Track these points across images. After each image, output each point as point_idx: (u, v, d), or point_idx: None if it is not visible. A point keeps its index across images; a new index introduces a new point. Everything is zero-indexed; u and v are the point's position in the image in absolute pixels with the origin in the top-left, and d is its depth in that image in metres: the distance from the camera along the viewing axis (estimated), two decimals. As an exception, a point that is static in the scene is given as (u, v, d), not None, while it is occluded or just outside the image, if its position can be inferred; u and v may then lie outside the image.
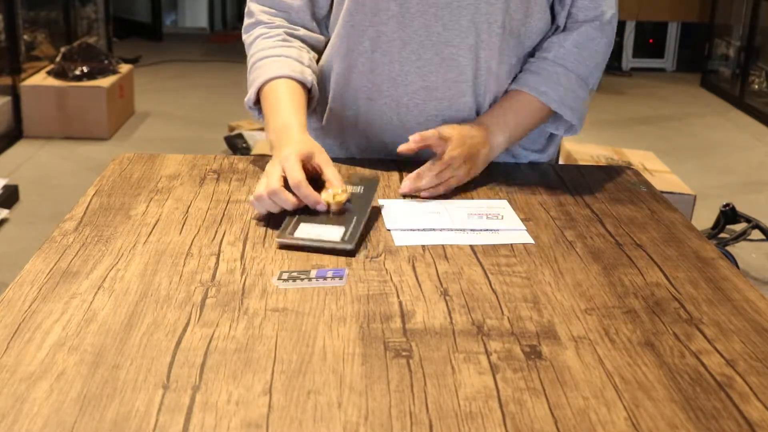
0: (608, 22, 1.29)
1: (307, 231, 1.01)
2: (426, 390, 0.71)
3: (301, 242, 0.99)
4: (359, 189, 1.11)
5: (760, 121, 5.45)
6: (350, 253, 0.98)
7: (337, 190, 1.06)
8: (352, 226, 1.02)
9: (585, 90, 1.30)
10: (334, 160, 1.17)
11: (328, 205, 1.06)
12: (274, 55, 1.28)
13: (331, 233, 1.01)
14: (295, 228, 1.02)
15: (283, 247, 0.99)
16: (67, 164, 4.17)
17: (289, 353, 0.76)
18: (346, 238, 1.00)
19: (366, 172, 1.25)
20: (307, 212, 1.05)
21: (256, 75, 1.27)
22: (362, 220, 1.04)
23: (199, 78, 6.18)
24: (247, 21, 1.35)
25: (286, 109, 1.21)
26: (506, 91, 1.30)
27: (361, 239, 1.02)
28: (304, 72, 1.27)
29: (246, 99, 1.29)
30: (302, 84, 1.25)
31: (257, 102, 1.28)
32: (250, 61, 1.31)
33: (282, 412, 0.67)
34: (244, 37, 1.35)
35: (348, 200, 1.07)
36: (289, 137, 1.15)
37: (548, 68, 1.28)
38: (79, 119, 4.56)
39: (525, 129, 1.30)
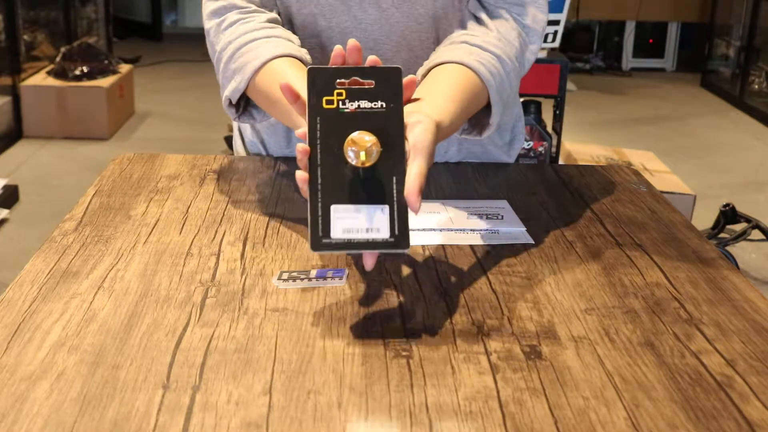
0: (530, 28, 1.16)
1: (345, 223, 0.79)
2: (426, 390, 0.71)
3: (344, 250, 0.80)
4: (380, 105, 0.83)
5: (760, 121, 5.45)
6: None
7: (363, 142, 0.80)
8: (395, 200, 0.80)
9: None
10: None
11: (359, 167, 0.81)
12: (262, 36, 1.10)
13: (377, 221, 0.79)
14: (327, 222, 0.79)
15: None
16: (67, 164, 4.17)
17: (289, 353, 0.76)
18: (396, 231, 0.79)
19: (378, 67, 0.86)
20: (328, 181, 0.81)
21: (243, 61, 1.09)
22: (401, 180, 0.81)
23: (199, 78, 6.18)
24: (213, 5, 1.16)
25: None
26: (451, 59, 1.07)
27: (406, 224, 0.80)
28: (302, 51, 1.11)
29: (229, 92, 1.10)
30: (304, 63, 1.08)
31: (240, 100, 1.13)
32: (227, 48, 1.12)
33: (282, 412, 0.67)
34: (209, 24, 1.16)
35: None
36: None
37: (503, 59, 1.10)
38: (79, 119, 4.56)
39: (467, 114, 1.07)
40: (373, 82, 0.83)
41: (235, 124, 1.42)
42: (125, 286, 0.88)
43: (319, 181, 0.81)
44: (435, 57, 1.10)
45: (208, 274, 0.92)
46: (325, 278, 0.91)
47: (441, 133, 0.93)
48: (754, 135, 5.18)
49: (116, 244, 0.99)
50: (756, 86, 5.78)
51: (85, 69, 4.67)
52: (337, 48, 0.86)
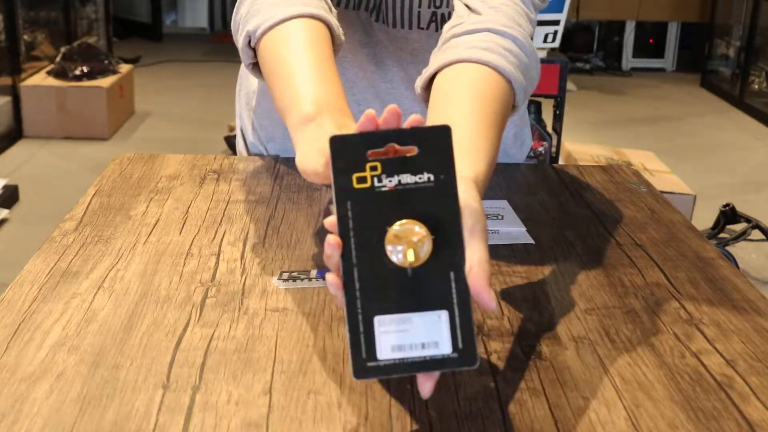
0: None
1: (395, 338, 0.63)
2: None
3: (396, 373, 0.63)
4: (426, 178, 0.64)
5: (760, 121, 5.46)
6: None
7: (410, 237, 0.62)
8: (456, 302, 0.63)
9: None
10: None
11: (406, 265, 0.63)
12: None
13: (434, 332, 0.63)
14: (371, 339, 0.63)
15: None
16: (67, 164, 4.17)
17: (289, 353, 0.76)
18: (460, 342, 0.63)
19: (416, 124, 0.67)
20: (367, 284, 0.64)
21: (259, 21, 0.98)
22: (461, 275, 0.64)
23: (199, 78, 6.19)
24: None
25: (300, 72, 0.90)
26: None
27: (472, 332, 0.64)
28: (328, 16, 0.98)
29: (252, 26, 0.97)
30: (326, 25, 0.97)
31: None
32: (250, 9, 1.01)
33: (282, 412, 0.67)
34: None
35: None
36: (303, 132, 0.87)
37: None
38: (79, 119, 4.56)
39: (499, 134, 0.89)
40: (416, 148, 0.64)
41: (237, 126, 1.42)
42: (125, 286, 0.88)
43: (357, 285, 0.64)
44: (430, 64, 0.95)
45: (208, 274, 0.92)
46: (325, 278, 0.91)
47: (481, 187, 0.76)
48: (754, 135, 5.18)
49: (116, 244, 0.99)
50: (756, 86, 5.78)
51: (85, 69, 4.68)
52: (369, 112, 0.67)
